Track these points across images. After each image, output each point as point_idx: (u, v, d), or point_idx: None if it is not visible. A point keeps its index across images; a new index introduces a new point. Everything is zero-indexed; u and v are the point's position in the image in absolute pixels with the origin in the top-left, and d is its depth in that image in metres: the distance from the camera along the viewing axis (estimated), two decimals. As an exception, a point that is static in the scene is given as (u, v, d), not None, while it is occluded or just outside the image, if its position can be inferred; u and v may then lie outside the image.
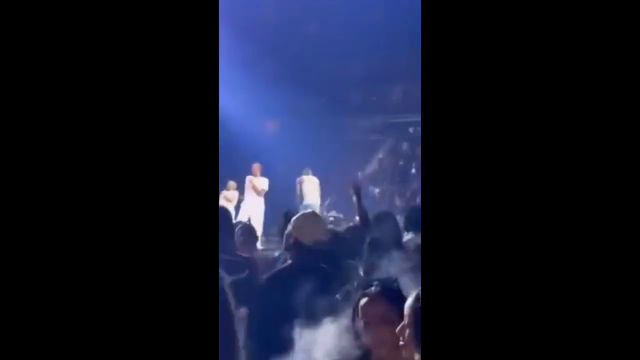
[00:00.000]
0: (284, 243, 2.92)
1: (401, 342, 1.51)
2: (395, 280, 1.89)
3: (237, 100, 11.13)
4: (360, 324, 1.80)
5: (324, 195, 10.40)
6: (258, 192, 9.32)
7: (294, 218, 2.89)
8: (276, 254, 4.06)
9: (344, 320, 1.88)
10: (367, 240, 3.34)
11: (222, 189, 9.43)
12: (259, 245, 5.45)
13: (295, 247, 2.74)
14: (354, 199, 4.11)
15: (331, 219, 9.28)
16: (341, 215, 9.92)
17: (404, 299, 1.60)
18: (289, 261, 2.85)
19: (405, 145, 13.40)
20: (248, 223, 4.82)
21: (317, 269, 2.67)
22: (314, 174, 10.69)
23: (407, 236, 3.81)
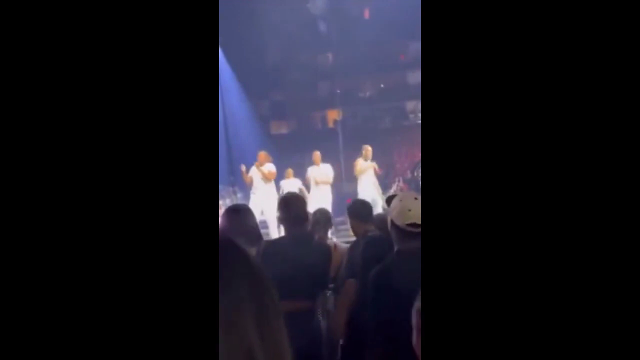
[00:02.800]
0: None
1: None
2: None
3: (295, 93, 11.20)
4: None
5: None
6: (320, 182, 9.13)
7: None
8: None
9: None
10: None
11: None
12: (329, 234, 5.44)
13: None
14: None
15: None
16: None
17: None
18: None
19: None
20: (321, 211, 4.79)
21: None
22: (379, 161, 10.60)
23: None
